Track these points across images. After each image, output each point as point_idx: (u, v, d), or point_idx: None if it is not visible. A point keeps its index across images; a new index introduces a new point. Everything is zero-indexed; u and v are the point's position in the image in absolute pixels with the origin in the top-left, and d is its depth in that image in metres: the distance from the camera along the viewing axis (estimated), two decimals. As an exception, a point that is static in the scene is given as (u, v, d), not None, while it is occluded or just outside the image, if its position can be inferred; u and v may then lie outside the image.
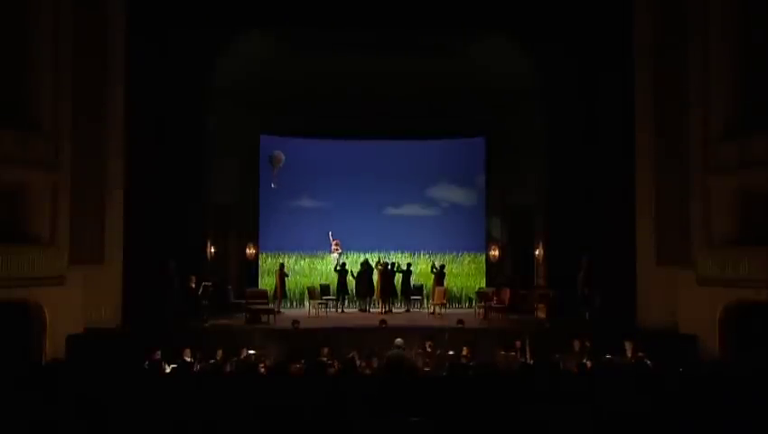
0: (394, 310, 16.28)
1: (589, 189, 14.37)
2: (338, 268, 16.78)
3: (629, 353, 10.43)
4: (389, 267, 16.58)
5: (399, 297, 16.77)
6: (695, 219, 12.17)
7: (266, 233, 17.86)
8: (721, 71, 11.87)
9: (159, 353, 10.28)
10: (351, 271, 16.62)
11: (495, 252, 17.94)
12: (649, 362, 9.91)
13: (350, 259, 17.75)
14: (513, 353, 11.18)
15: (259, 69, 16.13)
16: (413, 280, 16.83)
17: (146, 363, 9.80)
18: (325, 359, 10.30)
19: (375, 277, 16.40)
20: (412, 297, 16.64)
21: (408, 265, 16.88)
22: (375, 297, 16.43)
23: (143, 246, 12.95)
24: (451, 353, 11.13)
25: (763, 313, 10.75)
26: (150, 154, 13.23)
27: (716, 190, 11.90)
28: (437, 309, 15.58)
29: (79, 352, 11.23)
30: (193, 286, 13.70)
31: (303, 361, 10.26)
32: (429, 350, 11.36)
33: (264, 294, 15.64)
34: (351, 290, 16.70)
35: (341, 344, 11.77)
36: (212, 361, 10.38)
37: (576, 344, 10.96)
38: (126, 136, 12.87)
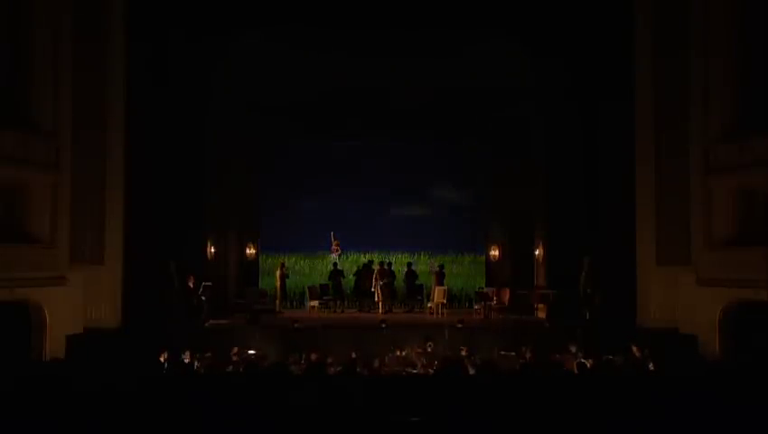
0: (394, 310, 16.28)
1: (589, 189, 14.36)
2: (331, 271, 16.77)
3: (637, 355, 10.40)
4: (388, 266, 16.58)
5: (400, 297, 16.75)
6: (695, 219, 12.17)
7: (267, 233, 17.86)
8: (721, 72, 11.86)
9: (166, 353, 10.30)
10: (343, 272, 16.64)
11: (495, 252, 17.95)
12: (650, 362, 9.92)
13: (350, 259, 17.76)
14: (513, 354, 11.20)
15: (259, 68, 16.11)
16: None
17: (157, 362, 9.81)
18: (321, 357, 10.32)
19: (376, 279, 16.40)
20: (412, 299, 16.64)
21: (410, 264, 16.85)
22: (376, 298, 16.42)
23: (143, 246, 12.93)
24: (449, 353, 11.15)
25: (763, 313, 10.74)
26: (150, 154, 13.21)
27: (716, 190, 11.89)
28: (437, 309, 15.58)
29: (79, 352, 11.24)
30: (193, 286, 13.71)
31: (302, 361, 10.29)
32: (429, 350, 11.37)
33: (264, 294, 15.65)
34: (349, 292, 16.69)
35: (341, 344, 11.78)
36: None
37: (573, 348, 10.96)
38: (127, 137, 12.85)
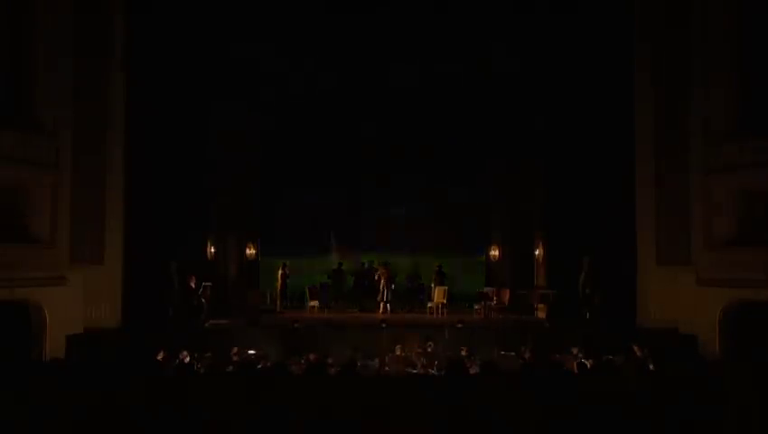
0: (394, 310, 16.25)
1: (589, 189, 14.36)
2: (333, 269, 16.75)
3: (638, 354, 10.39)
4: (388, 266, 16.57)
5: (399, 297, 16.73)
6: (695, 219, 12.18)
7: (267, 233, 17.86)
8: (722, 72, 11.87)
9: (162, 353, 10.28)
10: (343, 272, 16.63)
11: (495, 252, 17.94)
12: (650, 362, 9.90)
13: (349, 259, 17.75)
14: (513, 354, 11.19)
15: (260, 68, 16.11)
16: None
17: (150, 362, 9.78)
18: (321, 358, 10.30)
19: (379, 279, 16.39)
20: (413, 299, 16.62)
21: (416, 265, 16.85)
22: (378, 298, 16.40)
23: (143, 246, 12.94)
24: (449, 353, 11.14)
25: (763, 313, 10.75)
26: (150, 154, 13.23)
27: (716, 190, 11.90)
28: (438, 309, 15.57)
29: (78, 352, 11.23)
30: (193, 286, 13.71)
31: (303, 361, 10.28)
32: (429, 350, 11.36)
33: (263, 294, 15.63)
34: (348, 292, 16.68)
35: (341, 344, 11.78)
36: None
37: (575, 350, 10.97)
38: (127, 137, 12.87)
